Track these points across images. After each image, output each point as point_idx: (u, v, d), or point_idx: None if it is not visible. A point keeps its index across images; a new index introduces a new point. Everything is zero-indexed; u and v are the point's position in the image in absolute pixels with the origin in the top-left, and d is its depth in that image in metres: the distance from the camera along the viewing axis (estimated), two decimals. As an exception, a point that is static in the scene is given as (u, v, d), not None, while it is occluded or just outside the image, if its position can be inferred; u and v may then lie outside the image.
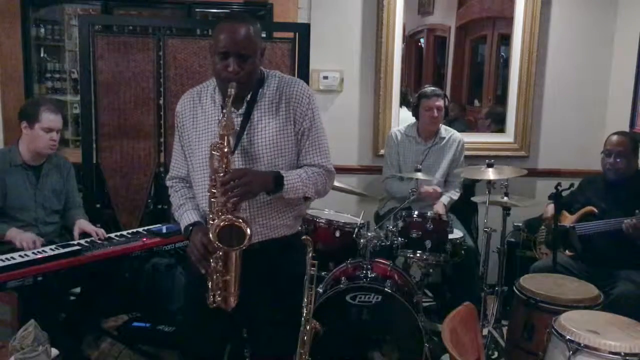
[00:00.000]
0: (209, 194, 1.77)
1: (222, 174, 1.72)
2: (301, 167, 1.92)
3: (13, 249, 2.62)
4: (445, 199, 3.50)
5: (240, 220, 1.71)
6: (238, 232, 1.71)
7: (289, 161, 1.89)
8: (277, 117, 1.86)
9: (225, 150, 1.72)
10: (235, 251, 1.72)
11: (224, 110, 1.73)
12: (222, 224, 1.70)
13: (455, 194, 3.59)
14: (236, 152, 1.82)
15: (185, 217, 1.93)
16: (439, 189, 3.47)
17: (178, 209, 1.98)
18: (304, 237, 2.19)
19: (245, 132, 1.84)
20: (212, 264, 1.74)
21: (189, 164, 1.95)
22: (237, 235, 1.71)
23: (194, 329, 2.03)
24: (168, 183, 2.06)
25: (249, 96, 1.85)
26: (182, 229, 1.93)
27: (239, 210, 1.76)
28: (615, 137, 3.02)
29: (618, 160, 2.97)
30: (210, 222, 1.75)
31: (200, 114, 1.91)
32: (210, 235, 1.70)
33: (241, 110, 1.85)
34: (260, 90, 1.87)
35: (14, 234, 2.70)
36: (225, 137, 1.73)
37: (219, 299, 1.77)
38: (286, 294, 1.94)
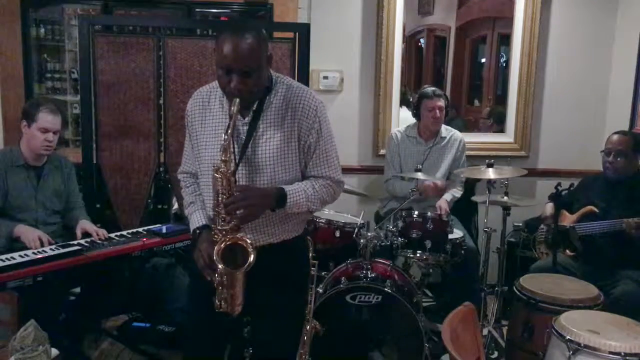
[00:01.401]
0: (213, 212, 1.76)
1: (225, 195, 1.70)
2: (308, 179, 1.89)
3: (20, 247, 2.62)
4: (448, 196, 3.50)
5: (247, 241, 1.70)
6: (242, 250, 1.71)
7: (293, 175, 1.86)
8: (282, 130, 1.82)
9: (228, 172, 1.71)
10: (238, 272, 1.71)
11: (225, 136, 1.69)
12: (223, 245, 1.70)
13: (457, 192, 3.58)
14: (240, 163, 1.80)
15: (194, 217, 1.94)
16: (439, 182, 3.45)
17: (188, 206, 1.99)
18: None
19: (250, 143, 1.81)
20: (218, 278, 1.73)
21: (197, 164, 1.94)
22: (241, 252, 1.71)
23: (196, 328, 2.03)
24: (179, 177, 2.06)
25: (255, 105, 1.82)
26: (191, 228, 1.94)
27: (243, 229, 1.75)
28: (616, 136, 3.02)
29: (618, 159, 2.97)
30: (214, 238, 1.75)
31: (209, 117, 1.88)
32: (215, 256, 1.69)
33: (247, 119, 1.82)
34: (268, 98, 1.83)
35: (23, 230, 2.70)
36: (227, 162, 1.70)
37: (224, 305, 1.76)
38: (287, 296, 1.93)
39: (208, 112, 1.89)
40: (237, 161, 1.79)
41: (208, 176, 1.85)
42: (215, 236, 1.75)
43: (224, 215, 1.71)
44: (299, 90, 1.86)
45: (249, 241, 1.71)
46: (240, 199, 1.70)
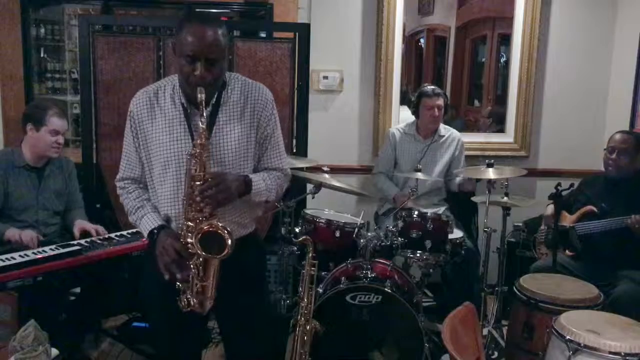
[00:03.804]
0: (183, 199, 1.76)
1: (199, 182, 1.72)
2: (261, 171, 1.94)
3: (12, 248, 2.62)
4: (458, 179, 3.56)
5: (226, 231, 1.70)
6: (219, 239, 1.71)
7: (251, 165, 1.91)
8: (242, 122, 1.86)
9: (204, 158, 1.73)
10: (215, 259, 1.71)
11: (202, 119, 1.72)
12: (202, 231, 1.70)
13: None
14: None
15: (147, 220, 1.88)
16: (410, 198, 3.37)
17: (135, 212, 1.92)
18: (304, 237, 2.20)
19: (211, 136, 1.81)
20: (193, 270, 1.73)
21: (146, 165, 1.90)
22: (218, 242, 1.71)
23: (168, 335, 1.99)
24: (119, 184, 1.98)
25: (214, 99, 1.84)
26: (145, 232, 1.88)
27: (215, 216, 1.75)
28: (619, 135, 3.04)
29: (620, 157, 2.98)
30: (184, 227, 1.75)
31: (159, 115, 1.86)
32: (193, 241, 1.69)
33: (206, 112, 1.81)
34: (224, 92, 1.86)
35: (12, 232, 2.71)
36: (203, 145, 1.72)
37: (194, 301, 1.75)
38: (247, 293, 1.93)
39: (158, 109, 1.86)
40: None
41: (164, 174, 1.84)
42: (182, 230, 1.75)
43: (197, 203, 1.72)
44: (255, 84, 1.93)
45: (226, 229, 1.71)
46: (215, 184, 1.72)
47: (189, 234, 1.73)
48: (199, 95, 1.71)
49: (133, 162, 1.93)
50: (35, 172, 2.91)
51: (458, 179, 3.54)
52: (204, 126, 1.72)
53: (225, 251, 1.69)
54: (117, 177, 1.98)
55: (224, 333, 2.12)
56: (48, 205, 2.93)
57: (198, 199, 1.71)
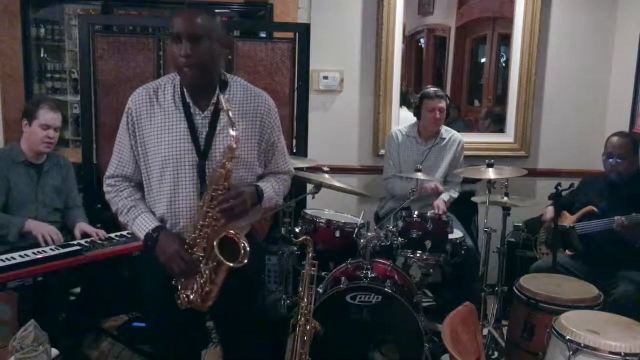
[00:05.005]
0: (201, 204, 1.76)
1: (221, 191, 1.73)
2: (267, 175, 1.95)
3: (32, 244, 2.63)
4: (445, 196, 3.50)
5: (244, 243, 1.72)
6: (233, 246, 1.72)
7: (251, 172, 1.89)
8: (243, 125, 1.84)
9: (231, 170, 1.73)
10: (232, 267, 1.72)
11: (233, 130, 1.71)
12: (227, 234, 1.72)
13: (455, 193, 3.59)
14: (203, 157, 1.80)
15: (142, 221, 1.84)
16: (440, 187, 3.46)
17: (127, 212, 1.87)
18: (304, 237, 2.20)
19: (213, 137, 1.80)
20: (206, 272, 1.73)
21: (143, 164, 1.86)
22: (231, 248, 1.72)
23: (166, 334, 1.98)
24: (108, 181, 1.92)
25: (214, 97, 1.80)
26: (140, 233, 1.84)
27: (229, 225, 1.77)
28: (615, 139, 3.03)
29: (619, 161, 2.98)
30: (196, 231, 1.75)
31: (158, 114, 1.82)
32: (214, 245, 1.70)
33: (207, 112, 1.81)
34: (227, 93, 1.84)
35: (33, 225, 2.72)
36: (232, 159, 1.73)
37: (197, 299, 1.75)
38: (243, 293, 1.92)
39: (157, 107, 1.83)
40: (199, 155, 1.79)
41: (163, 173, 1.81)
42: (191, 234, 1.76)
43: (213, 212, 1.73)
44: (257, 89, 1.92)
45: (245, 241, 1.73)
46: (234, 195, 1.73)
47: (201, 239, 1.74)
48: (224, 105, 1.71)
49: (125, 160, 1.89)
50: (34, 168, 2.91)
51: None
52: (234, 134, 1.71)
53: (239, 259, 1.70)
54: (107, 174, 1.93)
55: (221, 334, 2.12)
56: (47, 201, 2.93)
57: (217, 209, 1.72)
